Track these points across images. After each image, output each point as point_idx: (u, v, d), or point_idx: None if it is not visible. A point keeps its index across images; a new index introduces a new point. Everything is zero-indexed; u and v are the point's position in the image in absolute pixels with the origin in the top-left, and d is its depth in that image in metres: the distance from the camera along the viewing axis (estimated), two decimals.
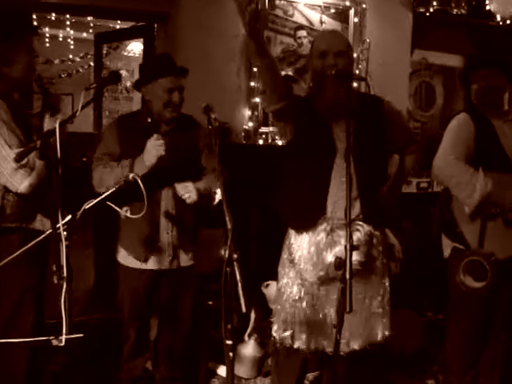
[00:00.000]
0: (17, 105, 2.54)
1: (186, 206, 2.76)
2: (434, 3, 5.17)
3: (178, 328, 3.02)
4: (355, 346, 2.58)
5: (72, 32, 8.94)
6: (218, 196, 2.20)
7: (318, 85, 2.52)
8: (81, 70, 9.27)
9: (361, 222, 2.49)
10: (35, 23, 7.84)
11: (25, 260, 2.13)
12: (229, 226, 1.94)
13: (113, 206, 2.39)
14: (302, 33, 4.78)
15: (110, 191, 2.31)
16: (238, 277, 1.84)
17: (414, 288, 4.45)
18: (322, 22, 4.82)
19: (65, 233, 2.02)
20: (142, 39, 5.15)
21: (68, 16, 8.12)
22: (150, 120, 2.79)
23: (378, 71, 4.83)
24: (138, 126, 2.83)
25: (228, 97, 4.54)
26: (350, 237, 1.94)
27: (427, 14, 5.20)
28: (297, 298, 2.60)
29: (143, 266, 2.85)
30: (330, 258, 2.46)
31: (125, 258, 2.90)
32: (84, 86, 2.29)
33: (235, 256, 1.85)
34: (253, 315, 3.74)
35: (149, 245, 2.82)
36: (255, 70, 4.53)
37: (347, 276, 1.86)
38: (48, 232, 2.07)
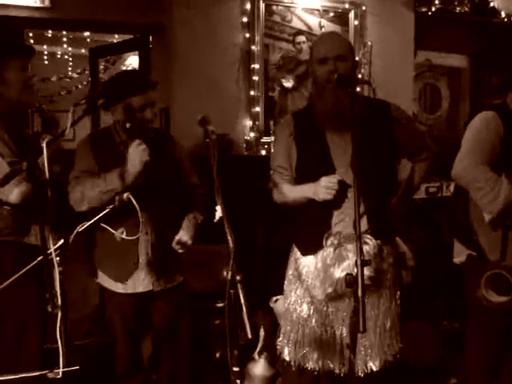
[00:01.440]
0: (13, 123, 2.50)
1: (167, 223, 2.68)
2: (436, 2, 5.06)
3: (179, 355, 2.88)
4: (373, 366, 2.49)
5: (70, 49, 8.86)
6: (219, 213, 2.08)
7: (320, 91, 2.43)
8: (80, 87, 9.15)
9: (369, 236, 2.40)
10: (31, 41, 7.92)
11: (21, 282, 2.00)
12: (230, 246, 1.85)
13: (108, 228, 2.30)
14: (301, 38, 4.67)
15: (103, 212, 2.21)
16: (242, 300, 1.76)
17: (427, 296, 4.32)
18: (321, 27, 4.72)
19: (57, 258, 1.93)
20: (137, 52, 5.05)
21: (65, 33, 8.08)
22: (128, 125, 2.57)
23: (381, 74, 4.73)
24: (112, 141, 2.68)
25: (228, 107, 4.45)
26: (361, 252, 1.84)
27: (429, 13, 5.09)
28: (306, 316, 2.53)
29: (127, 290, 2.69)
30: (338, 273, 2.38)
31: (105, 280, 2.74)
32: None
33: (238, 278, 1.77)
34: (262, 332, 3.62)
35: (128, 266, 2.66)
36: (255, 78, 4.45)
37: (359, 294, 1.76)
38: (39, 258, 1.96)
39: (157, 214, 2.66)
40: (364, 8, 4.87)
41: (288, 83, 4.65)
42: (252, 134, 4.53)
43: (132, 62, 9.17)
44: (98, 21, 4.36)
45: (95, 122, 5.50)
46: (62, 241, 1.99)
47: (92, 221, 2.14)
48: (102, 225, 2.27)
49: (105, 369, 3.32)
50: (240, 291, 1.79)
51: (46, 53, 8.95)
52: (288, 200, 2.57)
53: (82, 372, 3.63)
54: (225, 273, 1.84)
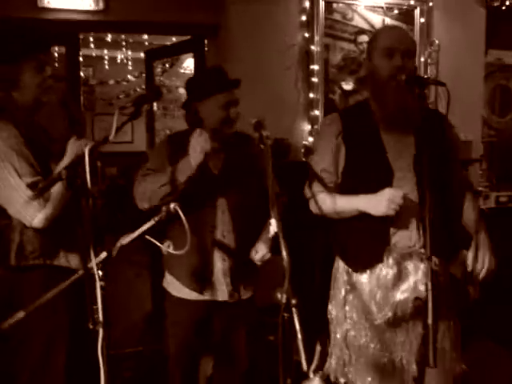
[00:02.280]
0: (34, 131, 2.32)
1: (246, 230, 2.54)
2: None
3: (235, 368, 2.74)
4: None
5: (129, 53, 8.91)
6: (274, 227, 1.90)
7: (379, 88, 2.22)
8: (138, 90, 9.20)
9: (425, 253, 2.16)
10: (92, 45, 8.01)
11: (50, 301, 1.88)
12: (286, 265, 1.69)
13: (153, 240, 2.13)
14: (364, 38, 4.43)
15: (149, 224, 2.03)
16: (297, 327, 1.61)
17: (498, 315, 3.99)
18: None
19: (100, 272, 1.80)
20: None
21: (123, 37, 8.14)
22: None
23: (449, 75, 4.42)
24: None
25: (286, 111, 4.26)
26: (432, 274, 1.71)
27: (503, 7, 4.73)
28: (362, 343, 2.30)
29: (195, 297, 2.57)
30: (398, 296, 2.21)
31: (174, 287, 2.64)
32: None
33: (294, 302, 1.64)
34: (318, 348, 3.43)
35: (202, 275, 2.54)
36: (314, 80, 4.24)
37: (429, 321, 1.61)
38: (80, 273, 1.84)
39: (236, 219, 2.55)
40: (431, 4, 4.60)
41: (347, 86, 4.42)
42: (311, 139, 4.30)
43: (190, 64, 9.15)
44: (152, 22, 4.26)
45: (150, 125, 5.42)
46: (104, 254, 1.84)
47: (137, 233, 1.97)
48: (147, 237, 2.12)
49: (157, 378, 3.38)
50: (295, 317, 1.63)
51: (106, 57, 9.06)
52: (331, 211, 2.31)
53: (133, 380, 3.54)
54: (278, 295, 1.69)
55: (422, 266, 2.17)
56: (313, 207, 2.38)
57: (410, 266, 2.20)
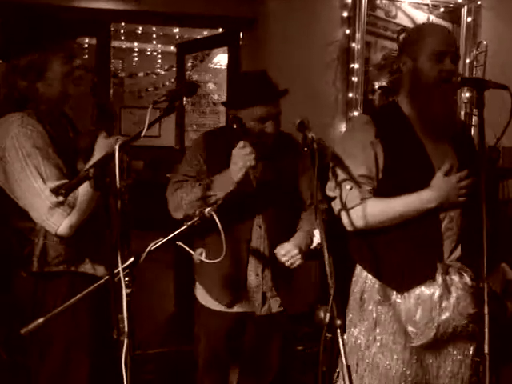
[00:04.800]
0: (59, 126, 2.16)
1: (283, 240, 2.36)
2: None
3: (261, 378, 2.61)
4: None
5: (159, 46, 8.91)
6: (317, 239, 1.75)
7: (425, 93, 2.07)
8: (167, 84, 9.13)
9: (464, 266, 2.08)
10: (122, 37, 7.95)
11: (72, 308, 1.77)
12: (330, 283, 1.57)
13: (184, 246, 1.97)
14: None
15: (181, 229, 1.88)
16: (341, 351, 1.48)
17: None
18: None
19: (126, 278, 1.68)
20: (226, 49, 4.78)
21: (154, 29, 8.10)
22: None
23: (497, 78, 4.18)
24: (228, 144, 2.39)
25: (323, 110, 4.09)
26: (490, 297, 1.60)
27: None
28: (398, 370, 2.09)
29: (227, 309, 2.46)
30: (444, 315, 2.03)
31: (204, 297, 2.52)
32: None
33: (339, 322, 1.50)
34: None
35: (234, 288, 2.43)
36: (354, 79, 4.06)
37: (486, 350, 1.50)
38: (105, 279, 1.72)
39: (272, 233, 2.39)
40: (479, 3, 4.37)
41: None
42: None
43: (221, 59, 9.03)
44: (186, 14, 4.13)
45: (179, 120, 5.30)
46: (132, 259, 1.71)
47: (167, 238, 1.83)
48: (179, 243, 1.96)
49: (181, 380, 3.31)
50: (340, 339, 1.48)
51: (136, 49, 9.07)
52: (382, 219, 2.10)
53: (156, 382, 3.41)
54: (321, 313, 1.56)
55: (463, 281, 2.04)
56: (355, 218, 2.12)
57: (455, 279, 2.04)
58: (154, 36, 8.38)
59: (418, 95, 2.10)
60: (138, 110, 9.08)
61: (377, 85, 4.22)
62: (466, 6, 4.38)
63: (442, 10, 4.35)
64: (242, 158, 2.18)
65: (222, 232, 1.87)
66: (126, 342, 1.62)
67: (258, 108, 2.27)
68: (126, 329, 1.63)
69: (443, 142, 2.12)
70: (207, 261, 1.99)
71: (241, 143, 2.20)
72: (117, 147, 1.66)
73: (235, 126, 2.27)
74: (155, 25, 7.28)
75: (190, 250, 1.99)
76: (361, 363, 2.17)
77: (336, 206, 2.17)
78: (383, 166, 2.11)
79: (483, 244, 1.66)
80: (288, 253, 2.29)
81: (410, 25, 4.26)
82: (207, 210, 1.91)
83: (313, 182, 1.75)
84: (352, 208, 2.11)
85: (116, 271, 1.65)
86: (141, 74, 9.08)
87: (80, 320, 2.11)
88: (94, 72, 4.25)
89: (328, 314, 1.52)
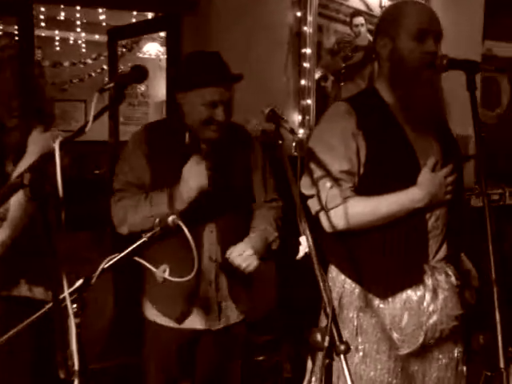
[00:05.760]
0: None
1: (230, 240, 2.19)
2: None
3: None
4: None
5: (83, 34, 8.54)
6: (304, 247, 1.51)
7: (408, 77, 1.90)
8: (93, 74, 8.76)
9: (450, 265, 1.98)
10: (42, 24, 7.48)
11: (7, 343, 1.53)
12: (326, 300, 1.36)
13: (145, 263, 1.66)
14: (360, 20, 4.08)
15: (139, 242, 1.61)
16: (348, 378, 1.27)
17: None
18: (381, 7, 4.12)
19: (74, 305, 1.43)
20: (159, 41, 4.47)
21: (78, 15, 7.68)
22: (188, 139, 2.16)
23: None
24: (173, 141, 2.20)
25: (273, 99, 3.65)
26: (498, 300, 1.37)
27: None
28: (385, 382, 1.95)
29: (178, 325, 2.23)
30: (432, 319, 1.91)
31: (151, 311, 2.29)
32: None
33: (342, 348, 1.29)
34: (309, 365, 3.14)
35: (185, 301, 2.19)
36: (306, 65, 3.82)
37: (501, 365, 1.30)
38: (47, 307, 1.48)
39: (226, 238, 2.20)
40: None
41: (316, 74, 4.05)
42: (301, 131, 3.90)
43: (150, 49, 8.70)
44: None
45: (113, 112, 4.88)
46: (80, 281, 1.47)
47: (123, 254, 1.57)
48: (138, 259, 1.65)
49: None
50: (345, 366, 1.28)
51: (57, 38, 8.66)
52: (366, 219, 1.91)
53: None
54: (318, 336, 1.34)
55: (449, 281, 1.94)
56: (336, 220, 1.92)
57: (441, 278, 1.93)
58: (78, 23, 7.98)
59: (399, 81, 1.94)
60: (62, 103, 8.60)
61: (317, 75, 4.00)
62: None
63: None
64: (193, 175, 2.02)
65: (191, 241, 1.58)
66: (76, 382, 1.37)
67: (210, 90, 2.06)
68: (77, 367, 1.36)
69: (426, 133, 1.98)
70: (174, 279, 1.68)
71: (194, 158, 2.04)
72: (57, 145, 1.36)
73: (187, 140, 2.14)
74: (79, 6, 6.70)
75: (151, 267, 1.68)
76: (342, 376, 1.97)
77: (313, 205, 1.96)
78: (365, 160, 1.92)
79: (489, 245, 1.46)
80: (241, 254, 2.14)
81: (362, 8, 4.12)
82: (171, 218, 1.65)
83: (292, 181, 1.53)
84: (332, 208, 1.91)
85: (61, 297, 1.37)
86: (66, 64, 8.57)
87: (18, 357, 1.87)
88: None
89: (327, 338, 1.31)
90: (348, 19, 4.06)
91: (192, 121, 2.13)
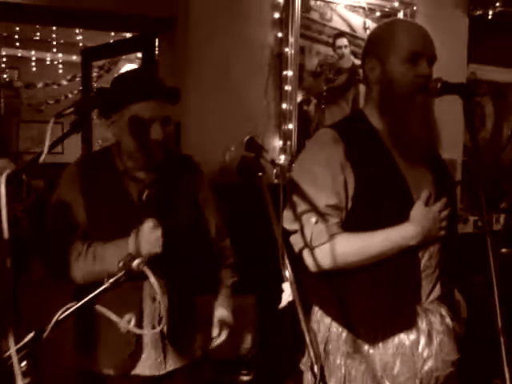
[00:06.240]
0: None
1: (183, 285, 2.04)
2: (497, 4, 4.29)
3: None
4: None
5: (60, 55, 8.51)
6: (287, 295, 1.35)
7: (399, 107, 1.78)
8: (70, 96, 8.56)
9: (444, 306, 1.87)
10: (17, 43, 7.33)
11: None
12: (313, 358, 1.24)
13: (108, 313, 1.46)
14: (343, 41, 3.94)
15: (100, 289, 1.41)
16: None
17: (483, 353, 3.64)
18: (365, 28, 3.98)
19: (23, 363, 1.25)
20: (137, 62, 4.34)
21: (55, 36, 7.61)
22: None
23: None
24: (113, 172, 1.98)
25: (253, 123, 3.67)
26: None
27: (488, 17, 4.35)
28: None
29: (124, 372, 1.99)
30: (427, 365, 1.78)
31: (90, 362, 2.03)
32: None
33: None
34: None
35: (127, 347, 1.94)
36: (287, 88, 3.66)
37: None
38: None
39: (170, 275, 1.96)
40: (415, 8, 4.16)
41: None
42: (283, 157, 3.74)
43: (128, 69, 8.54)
44: (90, 11, 3.54)
45: (86, 134, 4.75)
46: (30, 335, 1.29)
47: (81, 302, 1.39)
48: (99, 308, 1.45)
49: None
50: None
51: (33, 59, 8.63)
52: (353, 259, 1.76)
53: None
54: None
55: (444, 323, 1.83)
56: (321, 258, 1.76)
57: (434, 319, 1.81)
58: (54, 43, 7.92)
59: (389, 106, 1.82)
60: (38, 125, 8.44)
61: (299, 98, 3.86)
62: (402, 11, 4.16)
63: (378, 14, 4.08)
64: (148, 244, 1.84)
65: (157, 288, 1.38)
66: None
67: (140, 106, 1.84)
68: None
69: (418, 162, 1.86)
70: (140, 331, 1.47)
71: (150, 223, 1.85)
72: (3, 179, 1.19)
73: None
74: (50, 25, 6.49)
75: (114, 317, 1.47)
76: None
77: (297, 242, 1.80)
78: (353, 193, 1.77)
79: (492, 275, 1.40)
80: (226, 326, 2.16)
81: (345, 29, 3.97)
82: (136, 262, 1.43)
83: (273, 219, 1.42)
84: (317, 246, 1.75)
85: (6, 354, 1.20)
86: (40, 85, 8.40)
87: None
88: None
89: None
90: (331, 40, 3.93)
91: (126, 146, 1.91)
